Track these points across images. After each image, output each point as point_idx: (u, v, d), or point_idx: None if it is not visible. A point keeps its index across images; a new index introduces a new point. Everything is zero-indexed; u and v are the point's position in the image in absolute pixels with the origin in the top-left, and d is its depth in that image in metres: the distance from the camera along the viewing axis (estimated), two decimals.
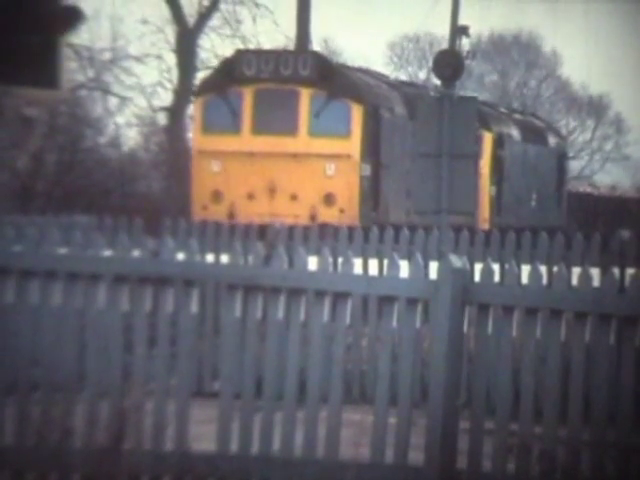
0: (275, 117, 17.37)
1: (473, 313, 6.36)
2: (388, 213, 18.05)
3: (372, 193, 17.74)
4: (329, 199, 17.23)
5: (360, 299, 9.32)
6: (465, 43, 31.65)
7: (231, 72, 17.59)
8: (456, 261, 6.34)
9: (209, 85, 18.11)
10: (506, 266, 6.78)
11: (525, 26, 49.06)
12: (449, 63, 18.11)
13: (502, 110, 24.85)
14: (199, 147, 17.69)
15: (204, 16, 27.84)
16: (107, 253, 6.93)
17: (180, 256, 6.73)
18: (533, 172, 23.43)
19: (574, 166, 47.88)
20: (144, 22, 27.64)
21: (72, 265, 6.45)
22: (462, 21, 31.03)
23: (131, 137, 27.15)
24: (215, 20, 27.97)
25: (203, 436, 6.39)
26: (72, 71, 24.24)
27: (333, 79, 17.46)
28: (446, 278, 6.28)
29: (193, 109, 18.64)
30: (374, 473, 6.26)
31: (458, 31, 30.72)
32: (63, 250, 7.75)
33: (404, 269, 6.52)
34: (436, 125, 14.76)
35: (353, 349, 9.94)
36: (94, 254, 6.81)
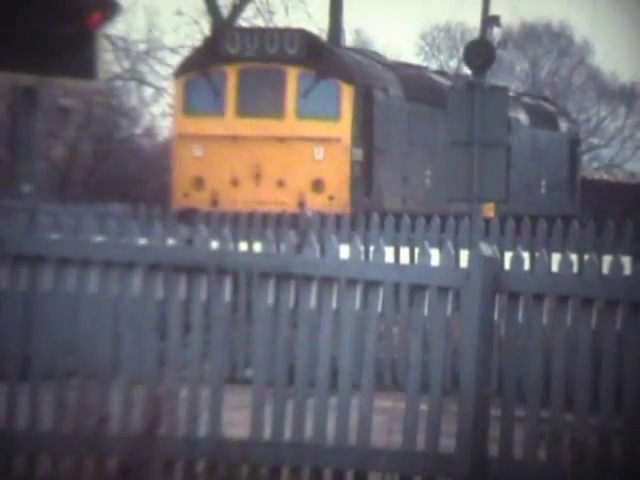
0: (260, 98, 16.31)
1: (504, 301, 6.32)
2: (382, 200, 16.98)
3: (364, 179, 16.64)
4: (318, 185, 16.14)
5: (392, 287, 9.28)
6: (496, 32, 31.47)
7: (214, 50, 16.55)
8: (486, 249, 6.31)
9: (191, 64, 16.97)
10: (536, 254, 6.73)
11: (556, 15, 48.74)
12: (480, 52, 17.95)
13: (509, 94, 23.98)
14: (180, 130, 16.59)
15: (238, 7, 27.81)
16: (142, 241, 6.94)
17: (213, 244, 6.73)
18: (543, 158, 22.22)
19: (606, 154, 47.59)
20: (179, 14, 27.65)
21: (108, 253, 6.46)
22: (493, 11, 30.86)
23: (166, 127, 27.20)
24: (249, 11, 27.94)
25: (236, 422, 6.40)
26: (108, 62, 24.25)
27: (322, 58, 16.42)
28: (477, 266, 6.26)
29: (174, 90, 17.37)
30: (406, 460, 6.25)
31: (489, 21, 30.54)
32: (99, 238, 7.76)
33: (435, 258, 6.50)
34: (467, 114, 14.71)
35: (385, 337, 9.91)
36: (129, 242, 6.81)
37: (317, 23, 26.56)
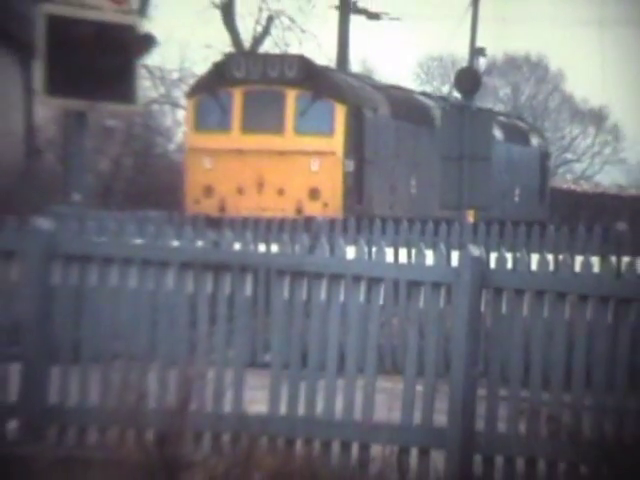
0: (263, 116, 16.27)
1: (489, 295, 6.32)
2: (372, 207, 16.86)
3: (356, 188, 16.55)
4: (314, 194, 16.03)
5: (392, 284, 9.26)
6: (482, 62, 31.42)
7: (222, 74, 16.50)
8: (474, 250, 6.31)
9: (201, 86, 16.97)
10: (517, 254, 6.72)
11: (534, 47, 48.71)
12: (468, 79, 17.96)
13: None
14: (192, 145, 16.56)
15: (258, 40, 27.89)
16: (175, 243, 6.94)
17: (237, 246, 6.72)
18: (516, 170, 22.06)
19: (578, 167, 47.51)
20: (208, 46, 27.68)
21: (145, 253, 6.47)
22: (479, 43, 30.83)
23: None
24: (267, 44, 28.00)
25: (256, 400, 6.40)
26: (146, 88, 24.26)
27: (317, 80, 16.36)
28: (466, 265, 6.25)
29: (186, 109, 17.45)
30: (404, 433, 6.25)
31: (476, 52, 30.52)
32: (138, 240, 7.76)
33: (429, 257, 6.49)
34: (457, 132, 14.73)
35: (385, 327, 9.89)
36: (164, 244, 6.82)
37: (327, 53, 26.58)
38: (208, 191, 16.37)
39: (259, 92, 16.52)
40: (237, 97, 16.55)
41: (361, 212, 15.99)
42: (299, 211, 16.03)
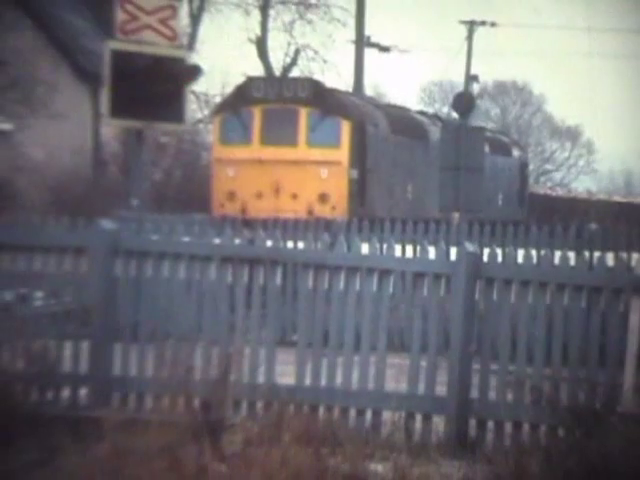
0: (279, 131, 16.24)
1: (482, 285, 6.31)
2: (374, 209, 16.80)
3: (359, 193, 16.50)
4: (323, 198, 16.00)
5: (400, 275, 9.24)
6: (476, 87, 31.32)
7: (243, 94, 16.49)
8: (470, 246, 6.31)
9: (225, 105, 16.99)
10: (506, 250, 6.72)
11: (520, 75, 48.51)
12: (464, 101, 17.91)
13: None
14: (217, 156, 16.52)
15: (286, 69, 27.95)
16: (217, 241, 6.97)
17: (268, 243, 6.75)
18: (499, 177, 21.90)
19: (556, 177, 47.36)
20: (244, 75, 27.75)
21: (192, 249, 6.51)
22: (473, 71, 30.74)
23: None
24: (294, 72, 28.05)
25: (285, 373, 6.42)
26: (193, 110, 24.32)
27: (326, 99, 16.34)
28: (463, 259, 6.25)
29: (213, 125, 17.40)
30: (410, 401, 6.27)
31: (470, 78, 30.44)
32: (186, 239, 7.80)
33: (431, 253, 6.48)
34: (455, 146, 14.74)
35: (394, 311, 9.86)
36: (208, 241, 6.85)
37: (345, 80, 26.60)
38: (231, 196, 16.29)
39: (276, 110, 16.44)
40: (257, 114, 16.49)
41: (364, 214, 15.95)
42: (310, 213, 15.93)
